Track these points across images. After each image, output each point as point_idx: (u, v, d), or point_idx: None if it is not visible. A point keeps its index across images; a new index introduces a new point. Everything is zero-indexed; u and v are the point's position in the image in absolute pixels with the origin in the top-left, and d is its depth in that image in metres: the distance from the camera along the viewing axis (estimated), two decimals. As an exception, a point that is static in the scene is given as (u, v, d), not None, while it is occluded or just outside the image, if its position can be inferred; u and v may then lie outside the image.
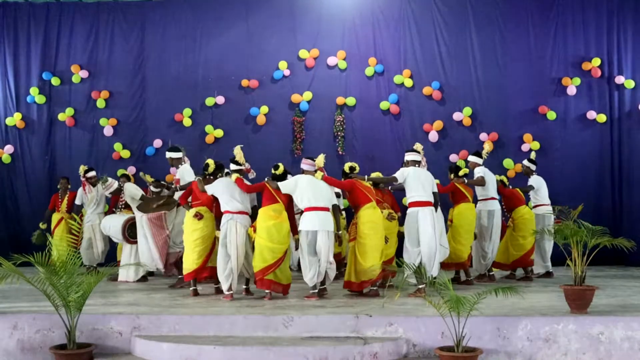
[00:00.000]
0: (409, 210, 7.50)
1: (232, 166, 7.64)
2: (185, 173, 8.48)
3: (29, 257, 5.52)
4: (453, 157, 11.22)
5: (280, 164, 7.56)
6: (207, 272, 7.71)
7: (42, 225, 10.09)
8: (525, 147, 11.40)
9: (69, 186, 10.20)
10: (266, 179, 7.51)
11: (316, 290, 7.24)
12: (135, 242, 8.71)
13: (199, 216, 7.59)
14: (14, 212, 11.75)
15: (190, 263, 7.63)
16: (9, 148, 11.77)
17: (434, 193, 7.61)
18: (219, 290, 7.71)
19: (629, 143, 11.48)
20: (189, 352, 5.54)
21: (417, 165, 7.80)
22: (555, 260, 9.21)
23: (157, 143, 11.65)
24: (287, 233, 7.31)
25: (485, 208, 8.70)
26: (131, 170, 11.27)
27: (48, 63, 11.94)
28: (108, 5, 11.98)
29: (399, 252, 7.84)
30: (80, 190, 9.85)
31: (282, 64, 11.71)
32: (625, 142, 11.50)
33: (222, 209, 7.39)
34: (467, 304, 5.11)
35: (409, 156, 7.83)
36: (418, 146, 8.11)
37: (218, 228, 7.54)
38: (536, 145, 11.38)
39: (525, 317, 5.84)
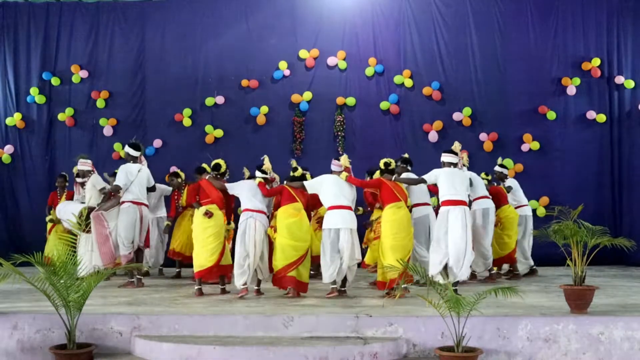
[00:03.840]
0: (440, 210, 7.33)
1: (258, 174, 7.75)
2: (120, 173, 8.37)
3: (29, 257, 5.52)
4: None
5: (299, 168, 7.91)
6: (220, 271, 7.72)
7: (52, 215, 10.00)
8: (525, 147, 11.40)
9: (67, 184, 10.18)
10: (285, 182, 7.74)
11: (336, 286, 7.27)
12: (89, 232, 8.55)
13: (209, 214, 7.68)
14: (14, 212, 11.75)
15: (202, 260, 7.65)
16: (9, 148, 11.78)
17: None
18: (224, 291, 7.74)
19: (629, 143, 11.48)
20: (189, 352, 5.54)
21: (452, 166, 7.50)
22: (555, 261, 9.19)
23: (157, 143, 11.65)
24: (308, 230, 7.47)
25: (480, 207, 8.70)
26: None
27: (48, 63, 11.94)
28: (108, 5, 11.98)
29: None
30: (75, 190, 9.86)
31: (282, 64, 11.71)
32: (625, 142, 11.51)
33: (242, 207, 7.54)
34: (467, 304, 5.11)
35: (444, 157, 7.55)
36: (457, 146, 7.66)
37: (229, 222, 7.83)
38: (536, 145, 11.39)
39: (525, 317, 5.84)
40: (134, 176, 8.35)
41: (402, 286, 7.01)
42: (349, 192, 7.45)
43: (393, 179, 7.53)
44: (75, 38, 11.97)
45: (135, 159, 8.55)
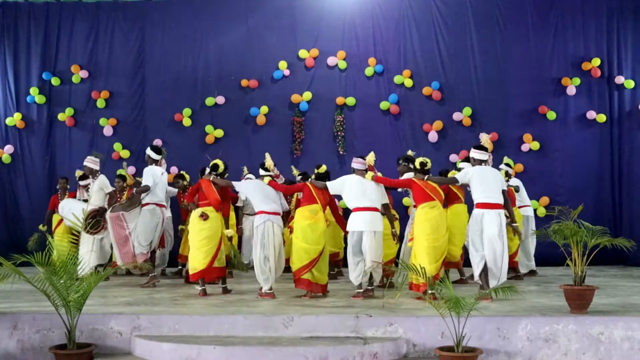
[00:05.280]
0: (474, 212, 7.03)
1: (261, 172, 7.71)
2: (147, 175, 8.43)
3: (29, 257, 5.52)
4: (453, 157, 11.20)
5: (323, 164, 7.76)
6: (215, 273, 7.75)
7: (43, 228, 10.01)
8: (525, 147, 11.40)
9: (68, 186, 10.17)
10: (310, 179, 7.71)
11: (361, 290, 7.22)
12: (93, 233, 8.59)
13: (204, 216, 7.64)
14: (14, 212, 11.76)
15: (197, 263, 7.63)
16: (9, 148, 11.78)
17: (502, 191, 7.04)
18: (225, 290, 7.76)
19: (629, 143, 11.48)
20: (189, 352, 5.55)
21: (483, 164, 7.18)
22: (555, 261, 9.20)
23: (157, 143, 11.62)
24: (323, 233, 7.35)
25: None
26: (131, 170, 11.27)
27: (48, 63, 11.94)
28: (108, 5, 11.98)
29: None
30: (77, 191, 9.86)
31: (282, 64, 11.71)
32: (625, 142, 11.51)
33: (257, 209, 7.47)
34: (467, 304, 5.11)
35: (474, 154, 7.18)
36: (485, 141, 7.28)
37: (227, 227, 7.84)
38: (536, 145, 11.39)
39: (525, 317, 5.84)
40: (159, 178, 8.42)
41: (430, 292, 6.71)
42: (374, 192, 7.27)
43: (425, 178, 7.32)
44: (75, 38, 11.97)
45: (156, 162, 8.57)
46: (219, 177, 7.94)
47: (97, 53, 11.92)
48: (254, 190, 7.61)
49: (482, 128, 11.46)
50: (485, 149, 7.20)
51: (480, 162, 7.16)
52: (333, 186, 7.42)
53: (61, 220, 9.78)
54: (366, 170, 7.41)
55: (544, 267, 9.75)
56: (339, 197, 7.76)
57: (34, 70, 11.95)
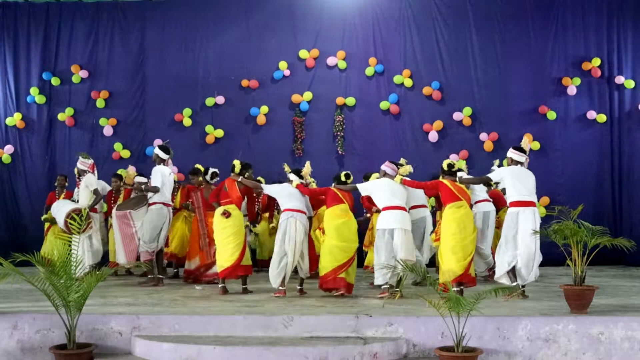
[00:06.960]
0: (509, 211, 7.09)
1: (293, 177, 7.76)
2: (156, 175, 8.45)
3: (29, 257, 5.52)
4: (453, 157, 11.19)
5: (349, 172, 7.94)
6: (242, 270, 7.77)
7: (48, 215, 9.99)
8: (525, 147, 11.38)
9: (67, 184, 10.16)
10: (333, 185, 7.76)
11: (387, 286, 7.20)
12: (80, 233, 8.50)
13: (227, 214, 7.70)
14: (14, 212, 11.77)
15: (224, 260, 7.68)
16: (9, 148, 11.78)
17: None
18: (245, 291, 7.77)
19: (629, 143, 11.49)
20: (189, 352, 5.55)
21: (519, 165, 7.28)
22: (555, 261, 9.18)
23: (157, 143, 11.62)
24: (356, 231, 7.44)
25: (480, 210, 8.66)
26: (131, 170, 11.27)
27: (48, 63, 11.94)
28: (108, 5, 11.98)
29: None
30: (75, 190, 9.85)
31: (282, 64, 11.71)
32: (625, 142, 11.52)
33: (282, 208, 7.57)
34: (467, 304, 5.11)
35: (513, 154, 7.31)
36: (525, 143, 7.45)
37: (249, 220, 8.01)
38: (536, 145, 11.38)
39: (525, 317, 5.84)
40: (166, 178, 8.47)
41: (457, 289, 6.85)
42: (402, 193, 7.37)
43: (457, 180, 7.37)
44: (75, 38, 11.97)
45: (164, 162, 8.60)
46: (244, 178, 7.89)
47: (97, 53, 11.92)
48: (280, 190, 7.71)
49: (482, 128, 11.52)
50: (523, 151, 7.35)
51: (517, 162, 7.29)
52: (363, 187, 7.54)
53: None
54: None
55: (544, 267, 9.69)
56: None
57: (34, 70, 11.95)
